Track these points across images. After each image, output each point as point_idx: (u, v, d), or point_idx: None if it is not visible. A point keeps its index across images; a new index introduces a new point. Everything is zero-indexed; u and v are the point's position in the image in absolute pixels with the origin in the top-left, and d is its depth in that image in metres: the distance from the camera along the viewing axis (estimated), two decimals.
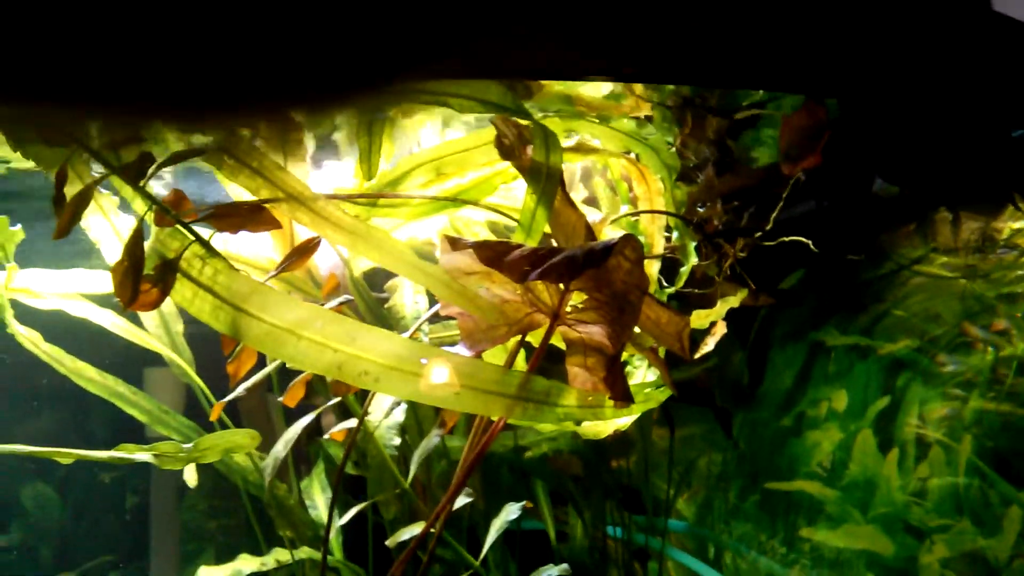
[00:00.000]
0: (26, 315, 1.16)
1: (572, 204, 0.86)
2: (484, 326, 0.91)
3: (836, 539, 1.42)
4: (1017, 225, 1.32)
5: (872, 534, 1.35)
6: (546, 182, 0.86)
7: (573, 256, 0.76)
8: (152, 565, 2.19)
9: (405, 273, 0.82)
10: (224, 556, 1.51)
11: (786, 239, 1.16)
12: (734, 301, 1.04)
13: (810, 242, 1.15)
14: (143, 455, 0.90)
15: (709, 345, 1.16)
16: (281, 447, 0.94)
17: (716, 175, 1.27)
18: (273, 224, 0.86)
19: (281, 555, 1.43)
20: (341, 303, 0.91)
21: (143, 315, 1.26)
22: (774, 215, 1.16)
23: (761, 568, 1.58)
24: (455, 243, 0.84)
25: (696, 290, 1.17)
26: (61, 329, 1.22)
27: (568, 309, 0.89)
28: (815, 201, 1.31)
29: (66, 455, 0.92)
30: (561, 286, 0.86)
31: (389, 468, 1.04)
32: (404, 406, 1.07)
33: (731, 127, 1.28)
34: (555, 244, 0.94)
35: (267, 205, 0.85)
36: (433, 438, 1.01)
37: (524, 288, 0.88)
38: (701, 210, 1.19)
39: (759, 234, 1.19)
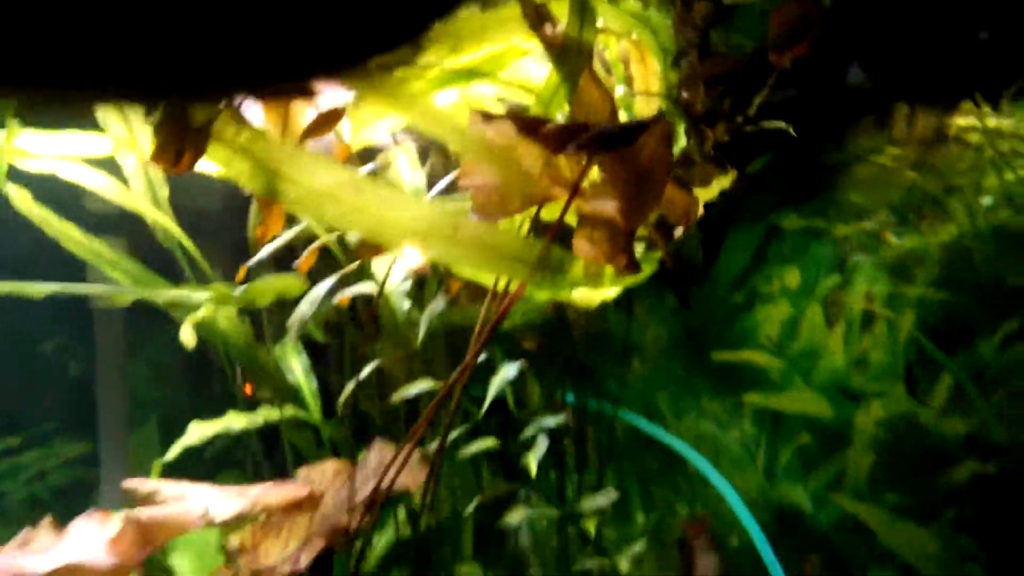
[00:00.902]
0: None
1: (598, 82, 0.90)
2: (497, 198, 0.96)
3: (778, 403, 1.56)
4: (966, 122, 1.43)
5: (813, 399, 1.49)
6: (576, 58, 0.89)
7: (610, 131, 0.80)
8: (100, 431, 2.20)
9: (445, 136, 0.85)
10: (170, 423, 1.54)
11: (764, 125, 1.22)
12: (725, 182, 1.10)
13: (789, 127, 1.22)
14: (202, 295, 0.92)
15: (688, 225, 1.23)
16: (307, 307, 0.97)
17: (699, 60, 1.31)
18: (304, 93, 0.87)
19: (270, 413, 1.49)
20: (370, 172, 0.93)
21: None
22: (758, 101, 1.22)
23: (702, 429, 1.72)
24: (486, 116, 0.87)
25: (680, 170, 1.23)
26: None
27: (585, 185, 0.94)
28: (790, 89, 1.37)
29: (123, 294, 0.93)
30: (583, 161, 0.90)
31: (401, 331, 1.09)
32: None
33: (716, 14, 1.32)
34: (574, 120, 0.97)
35: None
36: (439, 303, 1.06)
37: (545, 163, 0.92)
38: (685, 95, 1.24)
39: (741, 119, 1.25)
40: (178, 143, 0.77)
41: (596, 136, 0.81)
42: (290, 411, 1.51)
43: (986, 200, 1.49)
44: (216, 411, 1.54)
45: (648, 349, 1.83)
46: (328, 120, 0.91)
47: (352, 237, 0.93)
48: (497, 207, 0.96)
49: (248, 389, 2.47)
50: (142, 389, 2.40)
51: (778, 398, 1.56)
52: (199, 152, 0.81)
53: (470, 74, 1.00)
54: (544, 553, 1.26)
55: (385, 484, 1.06)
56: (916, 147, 1.48)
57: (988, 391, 1.31)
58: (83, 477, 2.22)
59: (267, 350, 1.51)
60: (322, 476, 1.17)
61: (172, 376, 2.44)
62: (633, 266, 0.94)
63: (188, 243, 1.28)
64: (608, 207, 0.93)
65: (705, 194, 1.13)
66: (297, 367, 1.56)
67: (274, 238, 0.98)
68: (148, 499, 1.00)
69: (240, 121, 0.83)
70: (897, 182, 1.48)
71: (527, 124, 0.84)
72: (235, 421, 1.39)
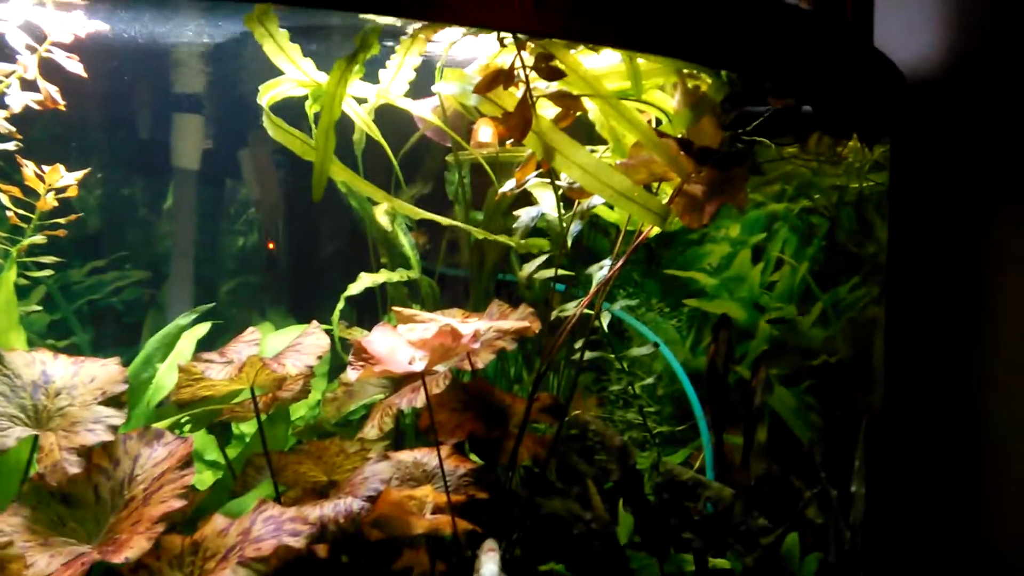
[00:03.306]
0: None
1: (714, 122, 1.64)
2: (639, 171, 1.68)
3: (709, 307, 2.41)
4: (851, 147, 2.31)
5: (734, 307, 2.36)
6: (703, 106, 1.62)
7: (730, 156, 1.56)
8: (173, 261, 2.70)
9: (624, 126, 1.56)
10: None
11: (756, 138, 2.01)
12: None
13: (769, 141, 2.02)
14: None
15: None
16: (527, 218, 1.65)
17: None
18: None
19: (391, 275, 2.13)
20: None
21: None
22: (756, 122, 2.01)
23: (648, 319, 2.55)
24: (660, 133, 1.59)
25: None
26: None
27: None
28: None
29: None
30: (694, 164, 1.65)
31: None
32: None
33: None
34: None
35: None
36: (577, 225, 1.78)
37: (677, 159, 1.66)
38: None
39: (742, 131, 2.03)
40: (524, 125, 1.43)
41: (722, 158, 1.56)
42: (399, 274, 2.17)
43: (848, 197, 2.39)
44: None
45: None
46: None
47: (566, 182, 1.63)
48: (638, 176, 1.69)
49: (271, 245, 3.09)
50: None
51: (709, 304, 2.41)
52: (524, 133, 1.48)
53: (624, 93, 1.71)
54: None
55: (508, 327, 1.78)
56: (819, 158, 2.34)
57: (840, 315, 2.23)
58: (144, 295, 2.73)
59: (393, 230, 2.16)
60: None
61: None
62: (704, 224, 1.71)
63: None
64: (698, 189, 1.69)
65: None
66: (405, 241, 2.21)
67: (525, 181, 1.65)
68: (409, 319, 1.68)
69: (537, 116, 1.51)
70: (804, 177, 2.34)
71: (683, 142, 1.57)
72: (367, 279, 2.05)
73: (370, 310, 2.52)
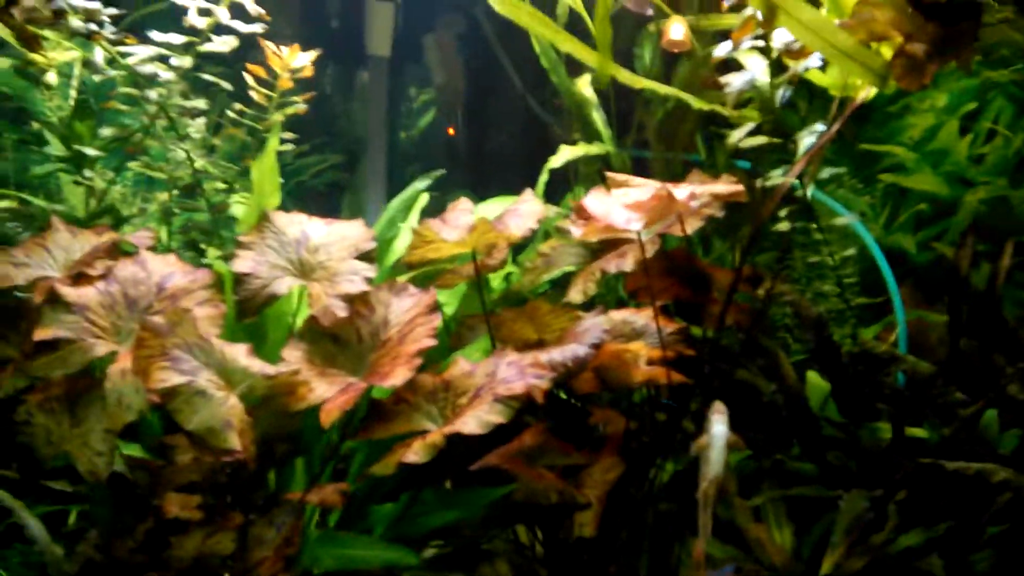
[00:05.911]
0: None
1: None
2: (860, 28, 1.65)
3: (907, 182, 2.35)
4: None
5: (936, 181, 2.28)
6: None
7: (961, 4, 1.50)
8: (369, 149, 2.87)
9: None
10: None
11: None
12: None
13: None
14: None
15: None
16: (739, 81, 1.67)
17: None
18: None
19: (591, 148, 2.20)
20: None
21: None
22: None
23: (838, 197, 2.51)
24: None
25: None
26: None
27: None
28: None
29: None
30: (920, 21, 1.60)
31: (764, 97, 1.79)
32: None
33: None
34: None
35: None
36: (788, 91, 1.78)
37: (905, 13, 1.61)
38: None
39: None
40: None
41: (951, 10, 1.51)
42: (598, 147, 2.23)
43: None
44: None
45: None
46: None
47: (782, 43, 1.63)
48: (857, 35, 1.65)
49: (451, 131, 3.22)
50: None
51: (908, 179, 2.35)
52: None
53: None
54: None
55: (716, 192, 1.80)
56: None
57: None
58: (340, 178, 2.93)
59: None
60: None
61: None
62: (923, 86, 1.67)
63: None
64: (919, 49, 1.64)
65: None
66: (598, 117, 2.26)
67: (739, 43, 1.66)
68: (623, 184, 1.74)
69: None
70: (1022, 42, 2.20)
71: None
72: (576, 150, 2.11)
73: (557, 187, 2.61)
